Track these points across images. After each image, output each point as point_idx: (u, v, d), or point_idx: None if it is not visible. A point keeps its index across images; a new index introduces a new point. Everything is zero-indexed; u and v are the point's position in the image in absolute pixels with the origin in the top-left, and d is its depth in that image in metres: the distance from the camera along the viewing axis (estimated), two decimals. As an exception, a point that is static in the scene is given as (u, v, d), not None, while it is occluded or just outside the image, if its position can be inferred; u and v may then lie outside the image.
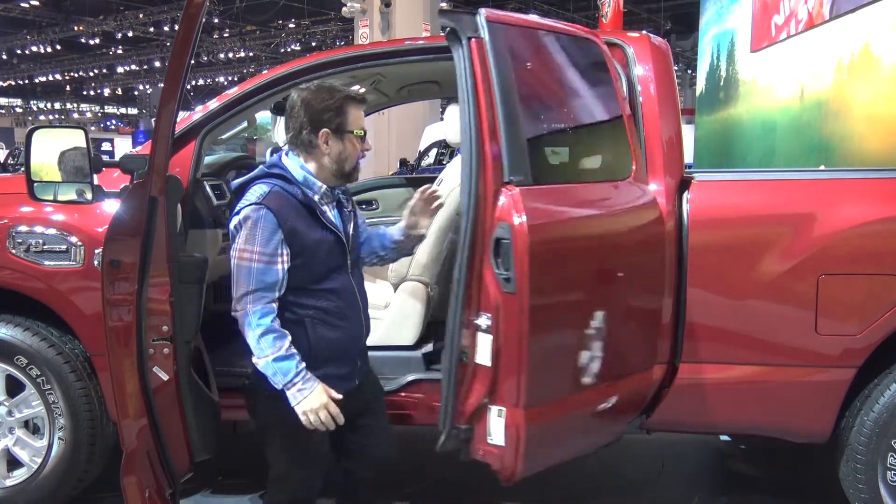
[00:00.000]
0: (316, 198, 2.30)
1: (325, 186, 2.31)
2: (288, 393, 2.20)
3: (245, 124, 3.57)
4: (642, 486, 3.66)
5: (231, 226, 2.24)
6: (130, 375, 2.55)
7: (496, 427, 2.38)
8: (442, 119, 3.61)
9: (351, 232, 2.38)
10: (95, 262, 2.87)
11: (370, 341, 3.27)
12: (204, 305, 2.84)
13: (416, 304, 3.24)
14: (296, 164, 2.31)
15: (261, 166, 2.37)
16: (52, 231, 2.96)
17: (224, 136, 3.49)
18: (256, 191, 2.23)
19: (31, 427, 3.12)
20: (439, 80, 4.20)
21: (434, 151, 12.99)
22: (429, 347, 3.35)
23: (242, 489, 3.46)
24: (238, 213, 2.22)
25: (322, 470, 2.42)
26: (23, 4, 22.31)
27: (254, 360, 2.23)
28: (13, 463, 3.13)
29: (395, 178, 6.49)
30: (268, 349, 2.18)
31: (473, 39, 2.44)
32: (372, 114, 5.19)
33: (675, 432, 2.94)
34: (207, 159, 3.50)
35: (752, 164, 8.12)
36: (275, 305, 2.21)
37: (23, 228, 2.97)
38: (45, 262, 2.94)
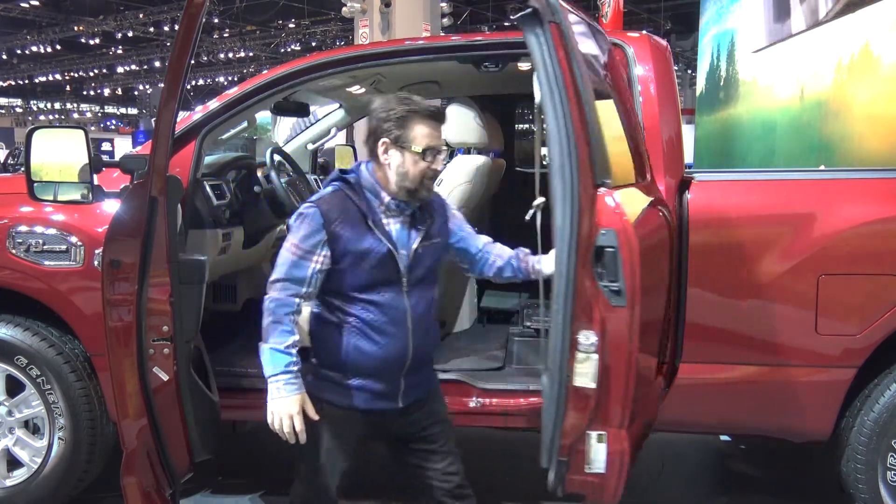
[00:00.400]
0: (380, 208, 2.22)
1: (390, 198, 2.21)
2: (269, 386, 2.17)
3: (245, 124, 3.57)
4: (642, 486, 3.66)
5: (291, 219, 2.25)
6: (130, 375, 2.56)
7: (597, 453, 2.23)
8: (442, 119, 3.60)
9: (415, 250, 2.23)
10: (95, 262, 2.87)
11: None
12: (204, 305, 2.84)
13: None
14: (367, 169, 2.25)
15: (338, 170, 2.33)
16: (52, 231, 2.96)
17: (224, 136, 3.49)
18: (323, 192, 2.24)
19: (31, 427, 3.12)
20: (439, 80, 4.20)
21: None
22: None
23: (242, 489, 3.46)
24: (298, 208, 2.24)
25: (330, 490, 2.36)
26: (23, 4, 22.30)
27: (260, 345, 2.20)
28: (13, 463, 3.13)
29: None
30: (271, 338, 2.16)
31: (552, 24, 2.16)
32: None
33: (675, 432, 2.94)
34: (207, 159, 3.50)
35: (752, 165, 8.12)
36: (297, 301, 2.18)
37: (23, 228, 2.97)
38: (45, 262, 2.95)
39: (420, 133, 2.16)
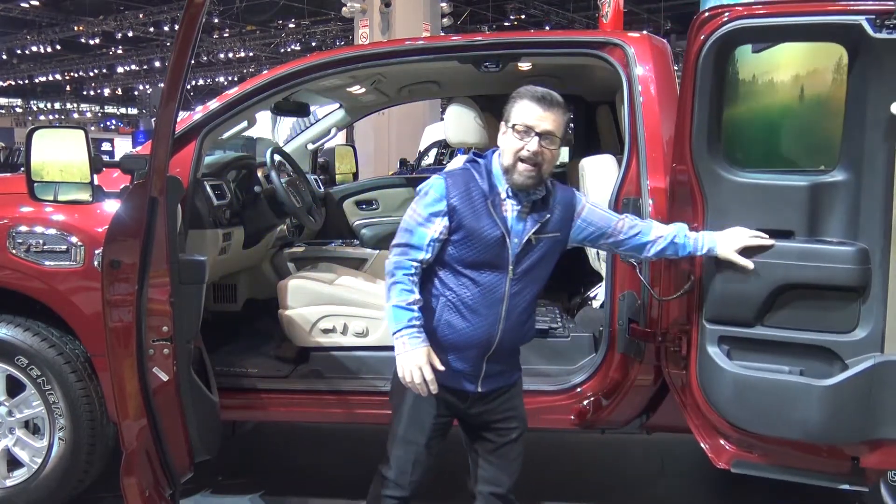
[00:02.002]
0: (501, 192, 2.26)
1: (508, 186, 2.25)
2: (395, 341, 2.23)
3: (245, 124, 3.57)
4: (642, 486, 3.67)
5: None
6: (131, 376, 2.56)
7: None
8: (442, 119, 3.61)
9: (527, 240, 2.25)
10: (95, 263, 2.87)
11: (372, 341, 3.30)
12: (204, 305, 2.84)
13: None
14: (496, 157, 2.30)
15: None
16: (52, 231, 2.96)
17: (224, 136, 3.49)
18: (454, 167, 2.34)
19: (32, 427, 3.12)
20: (439, 80, 4.20)
21: (434, 151, 12.99)
22: (429, 347, 3.35)
23: (242, 489, 3.46)
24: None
25: (414, 461, 2.37)
26: (23, 4, 22.30)
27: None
28: (13, 463, 3.13)
29: (395, 178, 6.50)
30: (393, 297, 2.23)
31: None
32: (372, 114, 5.21)
33: (675, 432, 2.94)
34: (207, 159, 3.51)
35: (749, 165, 8.10)
36: (414, 265, 2.24)
37: (23, 228, 2.97)
38: (45, 263, 2.95)
39: (519, 110, 2.22)
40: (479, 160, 2.31)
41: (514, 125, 2.21)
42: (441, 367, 2.22)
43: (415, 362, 2.19)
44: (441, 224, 2.23)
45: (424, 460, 2.38)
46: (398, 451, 2.37)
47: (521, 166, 2.21)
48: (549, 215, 2.30)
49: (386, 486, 2.40)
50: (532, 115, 2.20)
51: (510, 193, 2.25)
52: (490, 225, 2.22)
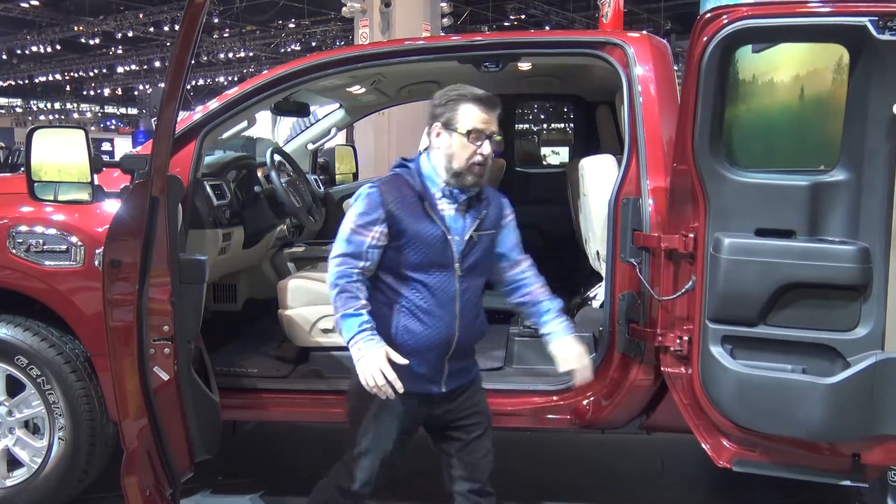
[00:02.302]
0: (436, 193, 2.28)
1: (445, 184, 2.28)
2: (350, 349, 2.22)
3: (245, 124, 3.57)
4: (642, 486, 3.66)
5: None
6: (131, 375, 2.56)
7: None
8: (442, 119, 3.60)
9: (469, 237, 2.29)
10: (96, 262, 2.87)
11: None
12: (204, 305, 2.84)
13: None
14: (426, 159, 2.33)
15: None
16: (52, 231, 2.96)
17: (224, 136, 3.49)
18: (384, 176, 2.35)
19: (32, 427, 3.12)
20: (439, 80, 4.20)
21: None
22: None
23: (242, 489, 3.46)
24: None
25: (377, 467, 2.38)
26: (23, 4, 22.28)
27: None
28: (13, 463, 3.13)
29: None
30: (340, 306, 2.23)
31: None
32: (372, 114, 5.20)
33: (675, 432, 2.94)
34: (207, 159, 3.51)
35: (752, 165, 8.10)
36: (356, 272, 2.25)
37: (23, 228, 2.97)
38: (45, 262, 2.95)
39: (466, 115, 2.24)
40: (409, 164, 2.33)
41: (467, 131, 2.23)
42: (403, 361, 2.20)
43: (375, 364, 2.17)
44: (378, 231, 2.25)
45: (387, 466, 2.40)
46: (364, 462, 2.37)
47: (475, 168, 2.25)
48: (485, 212, 2.35)
49: (345, 496, 2.41)
50: (481, 119, 2.24)
51: (445, 193, 2.29)
52: (430, 225, 2.25)
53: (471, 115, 2.24)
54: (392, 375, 2.17)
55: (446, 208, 2.29)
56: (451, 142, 2.25)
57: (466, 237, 2.29)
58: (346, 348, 2.73)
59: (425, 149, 2.36)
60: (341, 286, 2.24)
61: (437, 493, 2.88)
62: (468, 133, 2.23)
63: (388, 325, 2.28)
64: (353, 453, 2.38)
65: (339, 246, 2.28)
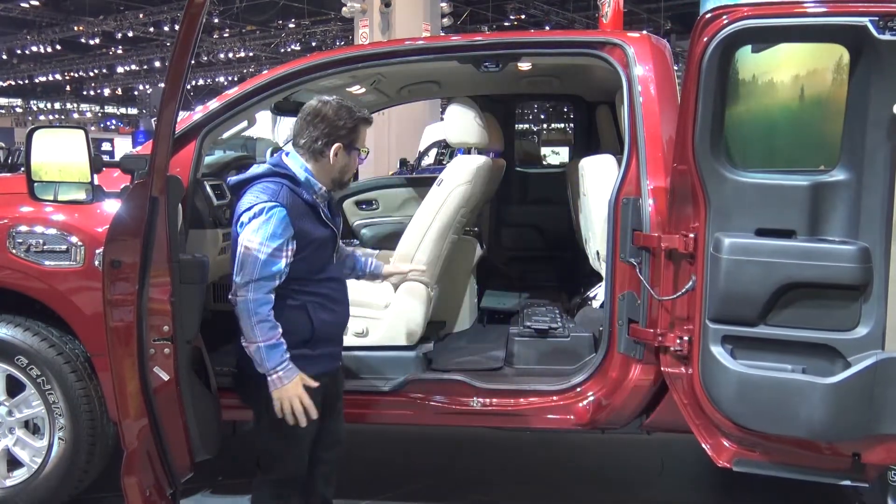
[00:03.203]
0: (317, 198, 2.45)
1: (323, 188, 2.47)
2: (269, 379, 2.33)
3: (245, 124, 3.57)
4: (642, 486, 3.67)
5: (243, 217, 2.35)
6: (131, 375, 2.56)
7: None
8: (442, 119, 3.61)
9: (339, 229, 2.57)
10: (96, 262, 2.87)
11: (371, 341, 3.30)
12: (204, 305, 2.84)
13: (416, 305, 3.25)
14: (297, 165, 2.44)
15: (264, 166, 2.47)
16: (52, 231, 2.96)
17: (224, 136, 3.49)
18: (267, 188, 2.36)
19: (32, 427, 3.12)
20: (439, 80, 4.20)
21: (434, 151, 12.99)
22: (429, 347, 3.35)
23: (242, 489, 3.45)
24: (251, 207, 2.34)
25: (308, 448, 2.54)
26: (23, 4, 22.29)
27: (243, 342, 2.35)
28: (13, 463, 3.13)
29: (395, 178, 6.50)
30: (260, 336, 2.31)
31: None
32: (372, 114, 5.20)
33: (675, 432, 2.94)
34: (207, 159, 3.50)
35: (752, 165, 8.10)
36: (272, 296, 2.34)
37: (23, 228, 2.97)
38: (45, 262, 2.94)
39: (363, 136, 2.52)
40: (285, 173, 2.41)
41: (359, 149, 2.49)
42: (314, 384, 2.37)
43: (294, 393, 2.33)
44: (290, 250, 2.36)
45: (309, 446, 2.55)
46: (294, 448, 2.50)
47: (352, 176, 2.59)
48: (334, 207, 2.61)
49: (279, 487, 2.54)
50: (365, 138, 2.54)
51: (324, 196, 2.49)
52: (326, 230, 2.47)
53: (365, 136, 2.54)
54: (308, 402, 2.35)
55: (325, 210, 2.50)
56: (348, 160, 2.47)
57: (339, 231, 2.57)
58: (346, 349, 2.74)
59: (286, 153, 2.48)
60: (264, 315, 2.32)
61: (439, 493, 2.89)
62: (358, 149, 2.50)
63: (305, 321, 2.42)
64: (276, 443, 2.49)
65: (252, 270, 2.31)
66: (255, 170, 2.46)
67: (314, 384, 2.38)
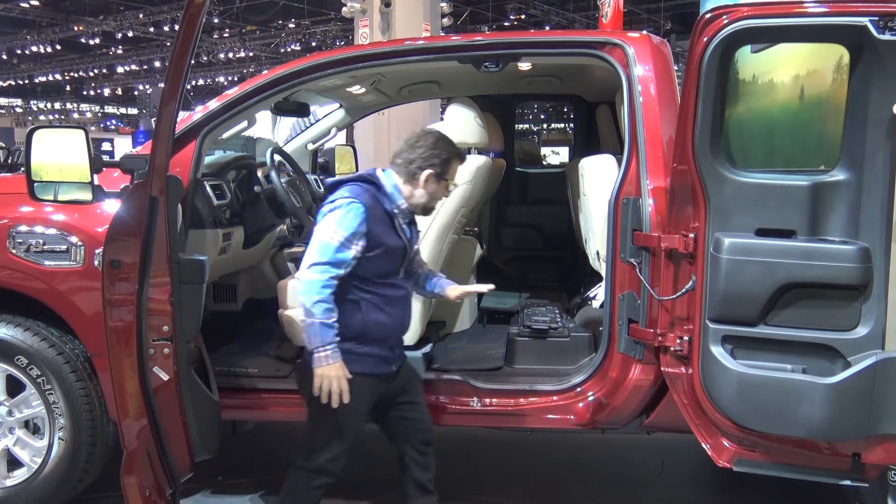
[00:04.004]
0: (396, 210, 2.63)
1: (406, 204, 2.66)
2: (315, 356, 2.47)
3: (245, 124, 3.57)
4: (642, 486, 3.67)
5: (325, 208, 2.56)
6: (131, 375, 2.56)
7: None
8: (442, 119, 3.61)
9: (413, 248, 2.73)
10: (96, 262, 2.87)
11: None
12: (204, 305, 2.84)
13: (416, 305, 3.24)
14: (389, 180, 2.65)
15: (359, 173, 2.70)
16: (52, 231, 2.96)
17: (224, 136, 3.49)
18: (354, 189, 2.58)
19: (32, 427, 3.12)
20: (439, 80, 4.20)
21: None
22: (428, 347, 3.35)
23: (242, 489, 3.46)
24: (334, 201, 2.55)
25: (351, 449, 2.66)
26: (23, 4, 22.27)
27: (302, 316, 2.50)
28: (13, 463, 3.13)
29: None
30: (318, 315, 2.46)
31: None
32: (372, 114, 5.21)
33: (675, 432, 2.94)
34: (207, 159, 3.50)
35: (752, 165, 8.10)
36: (335, 283, 2.49)
37: (23, 228, 2.97)
38: (45, 262, 2.95)
39: (455, 171, 2.72)
40: (376, 183, 2.63)
41: (452, 187, 2.72)
42: (350, 376, 2.51)
43: (335, 374, 2.48)
44: (360, 245, 2.53)
45: (353, 444, 2.66)
46: (337, 441, 2.62)
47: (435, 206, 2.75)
48: (414, 226, 2.77)
49: (316, 477, 2.66)
50: (457, 173, 2.75)
51: (405, 212, 2.67)
52: (397, 239, 2.63)
53: (456, 171, 2.73)
54: (345, 387, 2.49)
55: (402, 224, 2.66)
56: (436, 188, 2.66)
57: (413, 247, 2.73)
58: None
59: (382, 169, 2.67)
60: (324, 296, 2.47)
61: (439, 493, 2.89)
62: (449, 187, 2.71)
63: (358, 318, 2.57)
64: (322, 434, 2.62)
65: (322, 254, 2.49)
66: (349, 176, 2.68)
67: (349, 375, 2.50)
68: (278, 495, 2.77)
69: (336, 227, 2.49)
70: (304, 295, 2.47)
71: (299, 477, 2.68)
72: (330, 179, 2.71)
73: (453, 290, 2.88)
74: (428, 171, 2.63)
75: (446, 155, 2.65)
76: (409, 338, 3.24)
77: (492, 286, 2.88)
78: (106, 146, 26.36)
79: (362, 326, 2.56)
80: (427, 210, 2.72)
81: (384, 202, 2.60)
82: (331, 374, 2.47)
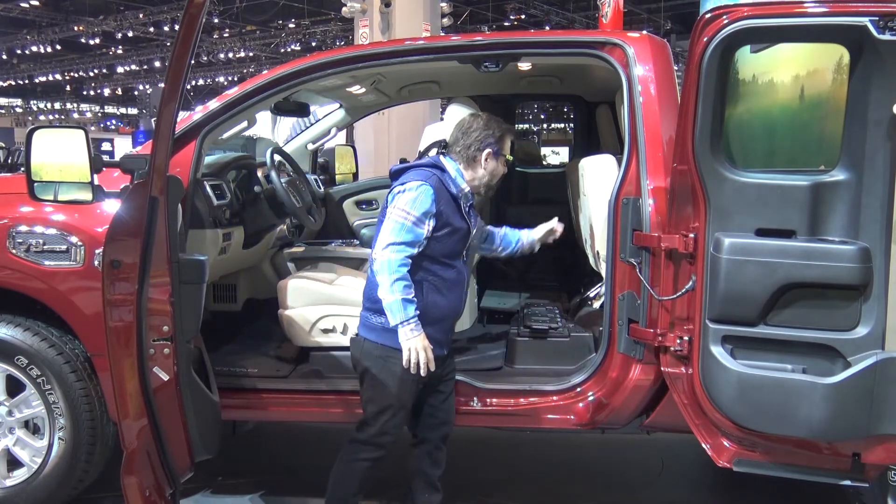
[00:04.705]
0: (460, 194, 2.75)
1: (468, 188, 2.79)
2: (401, 329, 2.58)
3: (245, 124, 3.57)
4: (642, 486, 3.67)
5: (396, 189, 2.68)
6: (131, 375, 2.56)
7: None
8: (442, 119, 3.62)
9: (475, 232, 2.84)
10: (96, 262, 2.87)
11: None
12: (204, 305, 2.84)
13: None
14: (452, 166, 2.79)
15: (425, 159, 2.86)
16: (52, 231, 2.96)
17: (224, 136, 3.49)
18: (421, 172, 2.71)
19: (32, 427, 3.12)
20: (439, 80, 4.20)
21: (434, 151, 12.95)
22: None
23: (242, 489, 3.46)
24: (404, 183, 2.67)
25: (399, 425, 2.77)
26: (23, 4, 22.27)
27: (382, 294, 2.60)
28: (13, 463, 3.13)
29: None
30: (399, 291, 2.57)
31: None
32: (372, 114, 5.21)
33: (675, 432, 2.94)
34: (207, 159, 3.50)
35: (752, 165, 8.10)
36: (410, 260, 2.61)
37: (23, 228, 2.97)
38: (45, 262, 2.94)
39: (509, 145, 2.86)
40: (441, 167, 2.76)
41: (508, 160, 2.85)
42: (432, 346, 2.64)
43: (421, 345, 2.59)
44: (430, 224, 2.65)
45: (403, 420, 2.77)
46: (386, 415, 2.71)
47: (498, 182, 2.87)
48: (476, 211, 2.90)
49: (363, 451, 2.74)
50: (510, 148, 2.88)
51: (469, 196, 2.80)
52: (462, 222, 2.75)
53: (510, 146, 2.86)
54: (431, 357, 2.62)
55: (466, 207, 2.78)
56: (496, 164, 2.81)
57: (475, 231, 2.82)
58: (346, 349, 2.75)
59: (445, 155, 2.83)
60: (402, 274, 2.59)
61: (444, 493, 2.89)
62: (506, 156, 2.84)
63: (421, 300, 2.66)
64: (374, 408, 2.72)
65: (397, 234, 2.61)
66: (414, 162, 2.84)
67: (431, 347, 2.62)
68: (279, 495, 2.77)
69: (409, 207, 2.61)
70: (382, 274, 2.59)
71: (350, 449, 2.77)
72: (394, 167, 2.84)
73: (536, 232, 3.12)
74: (487, 151, 2.77)
75: (500, 132, 2.81)
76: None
77: (561, 225, 3.14)
78: (106, 146, 26.36)
79: (422, 307, 2.65)
80: (491, 188, 2.86)
81: (450, 185, 2.73)
82: (418, 344, 2.59)
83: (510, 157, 2.89)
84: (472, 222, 2.81)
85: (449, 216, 2.70)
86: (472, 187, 2.81)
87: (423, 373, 2.61)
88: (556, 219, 3.16)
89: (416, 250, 2.63)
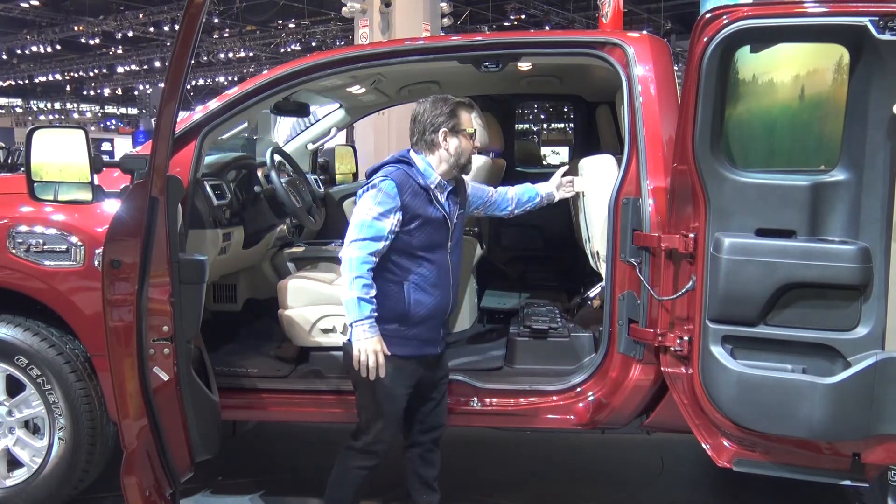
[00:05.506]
0: (431, 185, 2.68)
1: (439, 178, 2.70)
2: (354, 328, 2.54)
3: (245, 124, 3.57)
4: (642, 486, 3.67)
5: (360, 190, 2.65)
6: (131, 375, 2.56)
7: None
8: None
9: (456, 219, 2.75)
10: (96, 262, 2.87)
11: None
12: (204, 305, 2.84)
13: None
14: (419, 158, 2.72)
15: (392, 155, 2.78)
16: (52, 231, 2.96)
17: (224, 136, 3.49)
18: (386, 169, 2.67)
19: (32, 427, 3.12)
20: (439, 80, 4.20)
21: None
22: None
23: (242, 489, 3.46)
24: (368, 183, 2.65)
25: (395, 432, 2.75)
26: (23, 4, 22.28)
27: (342, 292, 2.57)
28: (13, 463, 3.13)
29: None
30: (357, 290, 2.53)
31: None
32: (372, 114, 5.21)
33: (675, 432, 2.94)
34: (207, 159, 3.50)
35: (752, 165, 8.10)
36: (374, 259, 2.57)
37: (23, 228, 2.97)
38: (45, 262, 2.95)
39: (466, 119, 2.75)
40: (405, 160, 2.71)
41: (470, 133, 2.73)
42: (388, 352, 2.58)
43: (373, 347, 2.54)
44: (395, 218, 2.59)
45: (397, 428, 2.75)
46: (378, 422, 2.68)
47: (470, 159, 2.77)
48: (461, 197, 2.82)
49: (358, 459, 2.72)
50: (472, 120, 2.78)
51: (441, 184, 2.71)
52: (435, 211, 2.67)
53: (468, 119, 2.75)
54: (382, 361, 2.55)
55: (441, 197, 2.70)
56: (458, 142, 2.70)
57: (455, 219, 2.74)
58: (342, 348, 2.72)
59: (413, 151, 2.75)
60: (362, 273, 2.55)
61: (444, 493, 2.89)
62: (471, 133, 2.73)
63: (401, 299, 2.63)
64: (367, 416, 2.69)
65: (360, 230, 2.57)
66: (385, 160, 2.76)
67: (388, 352, 2.57)
68: (279, 495, 2.78)
69: (371, 204, 2.58)
70: (344, 271, 2.56)
71: (346, 455, 2.76)
72: (369, 168, 2.80)
73: (551, 183, 3.12)
74: (442, 130, 2.70)
75: (448, 108, 2.72)
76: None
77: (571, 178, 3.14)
78: (106, 146, 26.35)
79: (405, 307, 2.62)
80: (464, 168, 2.77)
81: (418, 178, 2.66)
82: (368, 346, 2.53)
83: (472, 130, 2.76)
84: (449, 210, 2.72)
85: (417, 207, 2.62)
86: (443, 173, 2.71)
87: (371, 377, 2.54)
88: (561, 170, 3.18)
89: (381, 246, 2.57)
